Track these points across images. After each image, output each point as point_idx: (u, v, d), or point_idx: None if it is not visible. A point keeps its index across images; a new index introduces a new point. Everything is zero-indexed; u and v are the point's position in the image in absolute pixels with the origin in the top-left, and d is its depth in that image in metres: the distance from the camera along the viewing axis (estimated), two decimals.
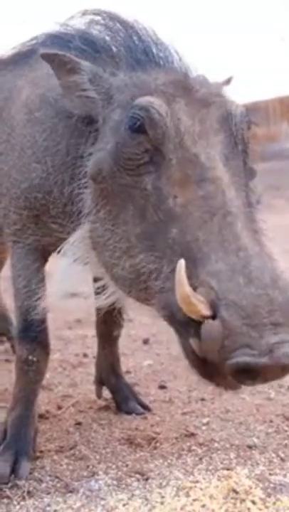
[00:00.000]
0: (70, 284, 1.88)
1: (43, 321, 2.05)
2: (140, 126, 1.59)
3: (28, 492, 1.85)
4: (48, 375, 2.56)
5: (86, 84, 1.77)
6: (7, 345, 3.36)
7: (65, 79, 1.80)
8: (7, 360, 3.09)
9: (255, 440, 2.14)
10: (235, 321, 1.31)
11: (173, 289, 1.41)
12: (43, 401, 2.47)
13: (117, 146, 1.63)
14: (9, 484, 1.88)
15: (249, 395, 2.54)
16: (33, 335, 2.01)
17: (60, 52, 1.81)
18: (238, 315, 1.32)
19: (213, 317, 1.34)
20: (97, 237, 1.70)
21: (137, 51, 1.84)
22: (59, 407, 2.47)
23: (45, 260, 2.10)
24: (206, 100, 1.67)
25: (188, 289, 1.35)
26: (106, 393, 2.54)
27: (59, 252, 1.87)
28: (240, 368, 1.30)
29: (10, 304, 2.91)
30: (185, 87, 1.68)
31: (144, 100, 1.61)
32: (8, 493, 1.85)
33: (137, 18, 1.94)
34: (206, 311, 1.34)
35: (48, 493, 1.84)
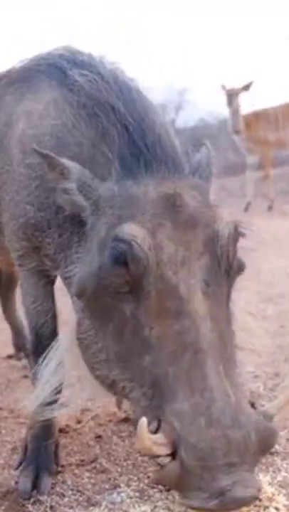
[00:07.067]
0: (53, 387, 1.85)
1: (54, 334, 2.08)
2: (122, 259, 1.58)
3: (51, 507, 1.85)
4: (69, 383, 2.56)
5: (74, 191, 1.76)
6: (25, 361, 3.36)
7: (55, 178, 1.79)
8: (25, 376, 3.10)
9: (277, 446, 2.11)
10: (191, 462, 1.40)
11: (147, 408, 1.53)
12: (63, 415, 2.47)
13: (100, 269, 1.64)
14: (31, 500, 1.89)
15: (268, 402, 2.52)
16: (45, 349, 2.01)
17: (51, 154, 1.77)
18: (195, 456, 1.40)
19: (174, 453, 1.43)
20: (81, 337, 1.74)
21: (128, 155, 1.78)
22: (78, 421, 2.47)
23: (52, 279, 2.13)
24: (194, 219, 1.65)
25: (148, 443, 1.42)
26: (125, 405, 2.53)
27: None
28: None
29: None
30: (174, 204, 1.65)
31: (126, 233, 1.58)
32: (30, 508, 1.85)
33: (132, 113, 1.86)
34: (165, 452, 1.44)
35: (71, 507, 1.84)
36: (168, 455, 1.44)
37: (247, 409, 1.52)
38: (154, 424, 1.48)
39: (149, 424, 1.45)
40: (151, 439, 1.43)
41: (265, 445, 1.51)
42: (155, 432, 1.47)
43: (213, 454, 1.41)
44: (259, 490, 1.47)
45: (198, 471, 1.40)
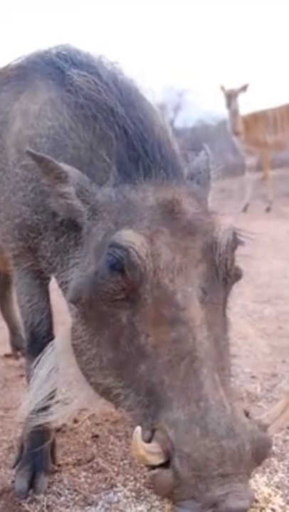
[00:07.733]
0: (46, 393, 1.84)
1: (49, 332, 2.09)
2: (118, 266, 1.56)
3: (48, 506, 1.85)
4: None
5: (72, 195, 1.74)
6: (22, 360, 3.36)
7: (51, 182, 1.77)
8: (22, 376, 3.09)
9: (274, 447, 2.11)
10: (185, 472, 1.40)
11: (142, 416, 1.54)
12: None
13: (96, 275, 1.62)
14: (28, 499, 1.88)
15: (266, 403, 2.53)
16: (40, 347, 2.01)
17: (47, 157, 1.75)
18: (189, 466, 1.40)
19: (168, 462, 1.43)
20: (75, 343, 1.74)
21: (127, 160, 1.75)
22: (75, 421, 2.46)
23: (47, 278, 2.12)
24: (192, 226, 1.63)
25: (142, 452, 1.43)
26: None
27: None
28: None
29: None
30: (172, 211, 1.64)
31: (124, 240, 1.57)
32: (27, 507, 1.85)
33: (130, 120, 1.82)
34: (159, 461, 1.44)
35: (67, 507, 1.84)
36: (162, 464, 1.44)
37: (242, 418, 1.51)
38: (149, 433, 1.48)
39: (143, 432, 1.44)
40: (145, 448, 1.43)
41: (259, 455, 1.51)
42: (150, 440, 1.46)
43: (207, 464, 1.40)
44: (252, 501, 1.48)
45: (191, 481, 1.40)
